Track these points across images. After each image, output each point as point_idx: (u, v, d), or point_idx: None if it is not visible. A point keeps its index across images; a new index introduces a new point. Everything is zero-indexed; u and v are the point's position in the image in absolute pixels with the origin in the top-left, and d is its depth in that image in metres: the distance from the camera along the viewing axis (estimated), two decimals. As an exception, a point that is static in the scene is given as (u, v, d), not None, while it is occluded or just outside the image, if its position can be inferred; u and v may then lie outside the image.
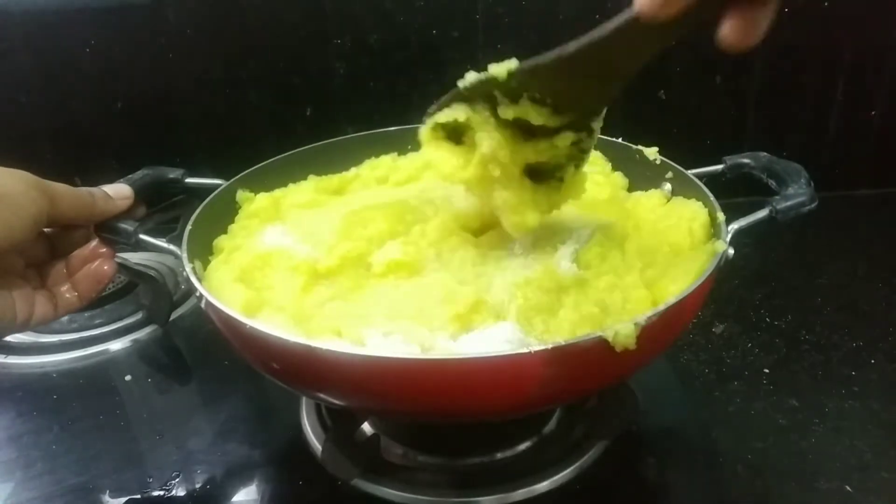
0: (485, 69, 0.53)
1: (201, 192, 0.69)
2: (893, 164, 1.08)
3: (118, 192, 0.61)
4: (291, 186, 0.74)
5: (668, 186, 0.69)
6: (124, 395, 0.75)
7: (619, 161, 0.74)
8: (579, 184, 0.60)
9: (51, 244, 0.60)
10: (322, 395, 0.54)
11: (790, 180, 0.62)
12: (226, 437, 0.68)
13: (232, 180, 0.70)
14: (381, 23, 0.97)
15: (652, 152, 0.71)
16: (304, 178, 0.75)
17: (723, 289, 0.84)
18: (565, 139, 0.55)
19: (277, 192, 0.73)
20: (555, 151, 0.56)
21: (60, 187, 0.55)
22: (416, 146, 0.79)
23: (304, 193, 0.73)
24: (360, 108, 1.00)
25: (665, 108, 1.02)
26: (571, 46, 0.47)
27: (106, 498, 0.62)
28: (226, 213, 0.69)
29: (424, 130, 0.58)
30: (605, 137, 0.75)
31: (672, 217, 0.64)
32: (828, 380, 0.72)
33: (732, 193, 0.64)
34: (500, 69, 0.52)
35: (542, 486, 0.60)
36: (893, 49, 1.01)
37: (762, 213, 0.59)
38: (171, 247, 0.59)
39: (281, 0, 0.96)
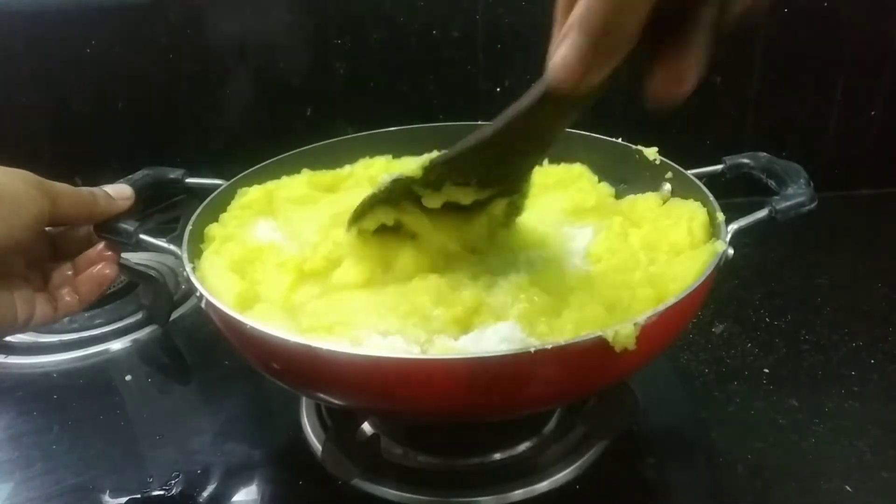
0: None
1: (201, 193, 0.69)
2: (893, 164, 1.08)
3: (119, 192, 0.61)
4: (285, 179, 0.74)
5: (667, 186, 0.69)
6: (124, 395, 0.75)
7: (619, 161, 0.74)
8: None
9: (53, 244, 0.60)
10: (322, 395, 0.54)
11: (790, 180, 0.62)
12: (226, 437, 0.68)
13: (232, 180, 0.70)
14: (381, 23, 0.97)
15: (651, 152, 0.71)
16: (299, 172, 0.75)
17: (723, 289, 0.84)
18: (499, 206, 0.55)
19: (270, 185, 0.72)
20: (490, 218, 0.56)
21: (61, 187, 0.55)
22: (415, 147, 0.79)
23: (296, 188, 0.72)
24: (360, 108, 1.00)
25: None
26: (488, 130, 0.45)
27: (106, 498, 0.62)
28: (223, 213, 0.69)
29: (350, 236, 0.57)
30: (605, 137, 0.75)
31: (671, 217, 0.64)
32: (828, 380, 0.72)
33: (732, 193, 0.64)
34: (413, 168, 0.51)
35: (542, 486, 0.60)
36: (893, 49, 1.01)
37: (762, 213, 0.59)
38: (172, 247, 0.60)
39: (281, 0, 0.96)
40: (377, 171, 0.76)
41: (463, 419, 0.56)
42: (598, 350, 0.46)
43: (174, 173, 0.70)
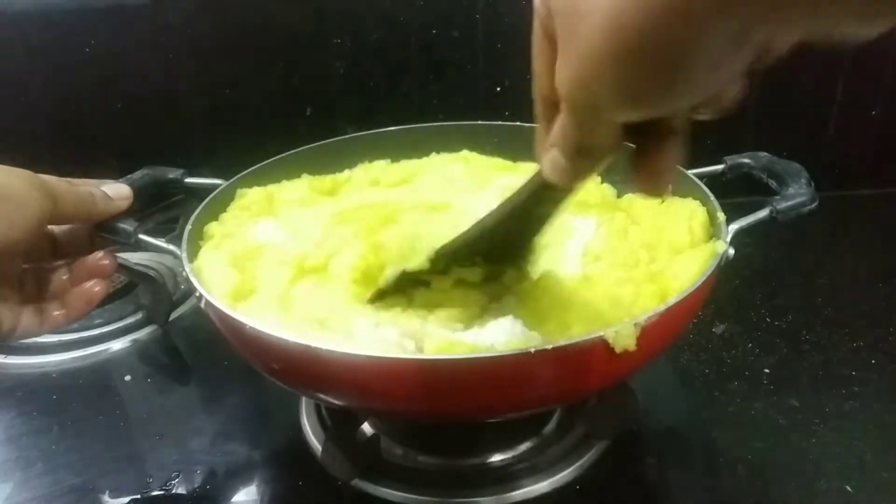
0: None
1: (201, 192, 0.69)
2: (894, 164, 1.08)
3: (118, 192, 0.60)
4: (285, 183, 0.74)
5: (668, 186, 0.69)
6: (124, 395, 0.75)
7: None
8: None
9: (53, 242, 0.60)
10: (322, 396, 0.54)
11: (790, 180, 0.62)
12: (226, 437, 0.68)
13: (232, 180, 0.70)
14: (381, 23, 0.97)
15: (652, 152, 0.70)
16: (300, 177, 0.75)
17: (723, 289, 0.84)
18: (510, 277, 0.55)
19: (271, 188, 0.73)
20: (502, 287, 0.56)
21: (62, 186, 0.55)
22: (414, 147, 0.80)
23: (297, 191, 0.72)
24: (360, 108, 1.00)
25: (665, 107, 1.02)
26: (488, 220, 0.49)
27: (106, 498, 0.62)
28: (223, 213, 0.69)
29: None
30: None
31: (670, 215, 0.64)
32: (828, 380, 0.72)
33: (733, 193, 0.64)
34: (417, 263, 0.52)
35: (542, 486, 0.60)
36: (894, 49, 1.01)
37: (762, 213, 0.59)
38: (171, 247, 0.60)
39: (281, 0, 0.96)
40: (377, 174, 0.76)
41: (463, 419, 0.56)
42: (598, 350, 0.46)
43: (173, 173, 0.70)
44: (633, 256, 0.59)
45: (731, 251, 0.56)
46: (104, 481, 0.63)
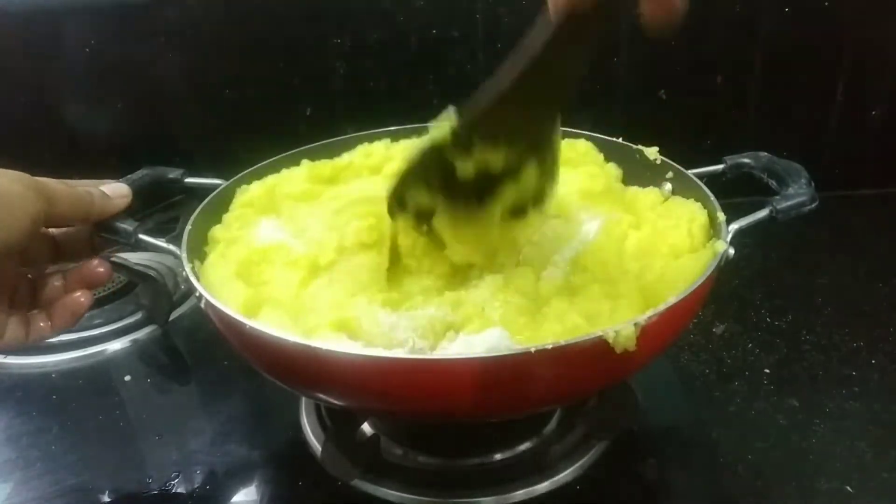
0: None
1: (201, 192, 0.68)
2: (894, 164, 1.08)
3: (116, 190, 0.60)
4: (285, 172, 0.73)
5: (668, 186, 0.69)
6: (124, 395, 0.75)
7: (620, 161, 0.74)
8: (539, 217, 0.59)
9: (54, 245, 0.60)
10: (322, 396, 0.54)
11: (790, 180, 0.62)
12: (225, 438, 0.68)
13: (231, 180, 0.70)
14: (381, 23, 0.97)
15: (652, 152, 0.71)
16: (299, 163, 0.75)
17: (723, 289, 0.84)
18: (529, 175, 0.53)
19: (270, 179, 0.72)
20: (521, 194, 0.54)
21: (58, 187, 0.54)
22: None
23: (297, 183, 0.71)
24: (360, 108, 1.00)
25: (665, 107, 1.02)
26: (505, 77, 0.45)
27: (105, 498, 0.62)
28: (225, 213, 0.69)
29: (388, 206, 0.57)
30: (606, 137, 0.75)
31: (671, 217, 0.64)
32: (828, 380, 0.72)
33: (733, 193, 0.64)
34: (441, 130, 0.50)
35: (542, 486, 0.60)
36: (894, 48, 1.01)
37: (762, 213, 0.59)
38: (171, 247, 0.59)
39: (281, 0, 0.96)
40: (377, 160, 0.75)
41: (463, 419, 0.56)
42: (598, 350, 0.46)
43: (173, 173, 0.70)
44: (620, 269, 0.58)
45: (732, 251, 0.56)
46: (104, 481, 0.63)
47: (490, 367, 0.46)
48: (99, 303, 0.86)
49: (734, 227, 0.58)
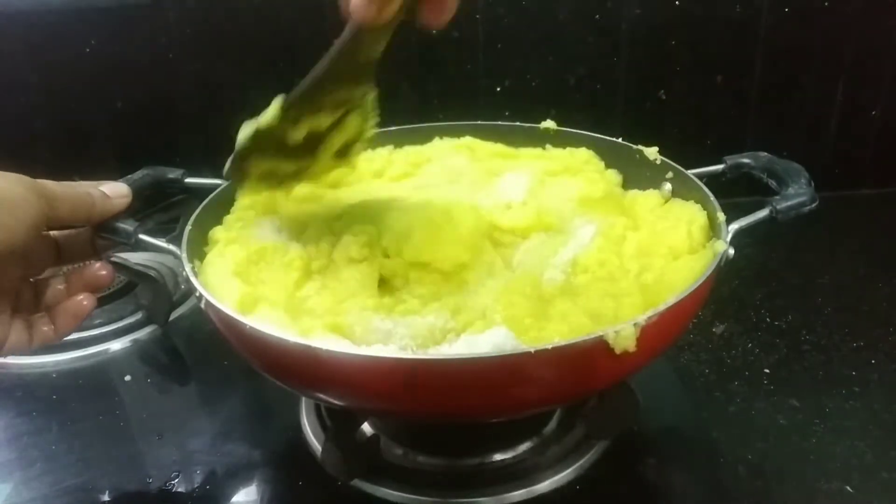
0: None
1: (201, 192, 0.68)
2: (894, 164, 1.08)
3: (116, 190, 0.60)
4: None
5: (668, 186, 0.69)
6: (124, 395, 0.75)
7: (619, 161, 0.74)
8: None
9: (56, 247, 0.60)
10: (322, 396, 0.54)
11: (790, 180, 0.62)
12: (225, 438, 0.67)
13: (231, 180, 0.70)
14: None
15: (652, 152, 0.71)
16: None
17: (723, 289, 0.84)
18: (350, 125, 0.62)
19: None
20: (346, 138, 0.62)
21: (59, 189, 0.54)
22: (426, 140, 0.79)
23: (299, 186, 0.71)
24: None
25: (665, 107, 1.02)
26: (319, 67, 0.55)
27: (105, 498, 0.62)
28: (225, 214, 0.69)
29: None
30: (606, 137, 0.75)
31: (670, 219, 0.64)
32: (828, 380, 0.72)
33: (733, 193, 0.64)
34: (269, 115, 0.57)
35: (542, 486, 0.60)
36: (894, 48, 1.01)
37: (762, 213, 0.59)
38: (171, 247, 0.59)
39: (281, 0, 0.95)
40: (380, 164, 0.76)
41: (463, 420, 0.56)
42: (598, 351, 0.46)
43: (173, 173, 0.70)
44: (621, 269, 0.59)
45: (731, 251, 0.56)
46: (104, 481, 0.63)
47: (490, 368, 0.45)
48: (99, 303, 0.84)
49: (734, 227, 0.58)
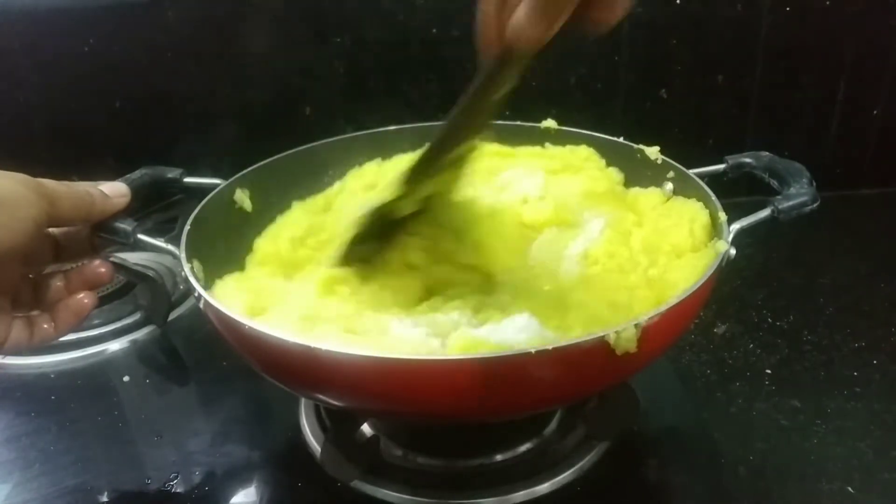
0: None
1: (200, 192, 0.68)
2: (895, 164, 1.08)
3: (115, 190, 0.60)
4: (279, 220, 0.72)
5: (669, 186, 0.69)
6: (122, 395, 0.75)
7: (621, 160, 0.74)
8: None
9: (56, 245, 0.60)
10: (321, 396, 0.54)
11: (792, 180, 0.62)
12: (224, 438, 0.67)
13: (231, 180, 0.70)
14: (381, 23, 0.96)
15: (653, 152, 0.71)
16: (299, 181, 0.75)
17: (724, 289, 0.84)
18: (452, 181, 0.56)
19: (272, 230, 0.70)
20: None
21: (59, 188, 0.54)
22: (414, 146, 0.79)
23: (295, 226, 0.70)
24: (359, 108, 1.00)
25: (666, 107, 1.02)
26: (450, 120, 0.50)
27: (104, 499, 0.62)
28: (224, 213, 0.69)
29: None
30: (607, 137, 0.75)
31: (672, 217, 0.64)
32: (830, 380, 0.71)
33: (734, 193, 0.64)
34: (389, 193, 0.53)
35: (543, 487, 0.60)
36: (895, 48, 1.01)
37: (764, 213, 0.59)
38: (170, 247, 0.59)
39: (281, 0, 0.95)
40: (370, 178, 0.75)
41: (463, 420, 0.56)
42: (599, 351, 0.46)
43: (172, 173, 0.70)
44: (631, 262, 0.59)
45: (733, 251, 0.56)
46: (102, 482, 0.63)
47: (491, 368, 0.45)
48: (98, 303, 0.86)
49: (735, 227, 0.58)
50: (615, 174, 0.73)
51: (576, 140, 0.76)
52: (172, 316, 0.86)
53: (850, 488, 0.59)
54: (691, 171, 0.67)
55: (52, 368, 0.79)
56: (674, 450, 0.65)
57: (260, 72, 0.99)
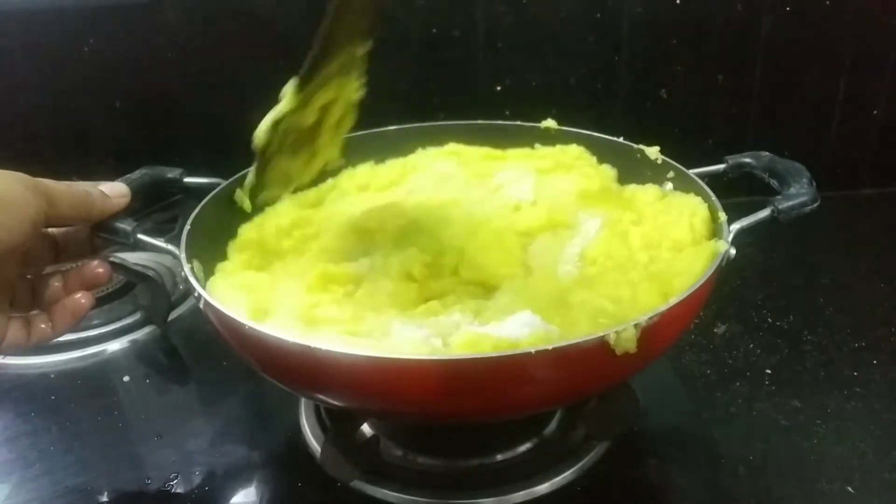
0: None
1: (200, 192, 0.68)
2: (895, 164, 1.08)
3: (115, 190, 0.60)
4: (268, 210, 0.70)
5: (669, 186, 0.69)
6: (122, 395, 0.75)
7: (620, 160, 0.74)
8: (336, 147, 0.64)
9: (54, 245, 0.60)
10: (321, 396, 0.54)
11: (792, 180, 0.62)
12: (224, 438, 0.67)
13: (230, 179, 0.70)
14: (381, 22, 0.96)
15: (653, 152, 0.71)
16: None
17: (724, 289, 0.84)
18: (349, 91, 0.62)
19: (258, 220, 0.69)
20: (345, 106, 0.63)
21: (58, 188, 0.54)
22: (413, 147, 0.79)
23: (283, 216, 0.70)
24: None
25: (666, 107, 1.02)
26: (322, 29, 0.56)
27: (104, 499, 0.62)
28: (224, 213, 0.68)
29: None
30: (606, 137, 0.75)
31: (672, 212, 0.64)
32: (830, 380, 0.71)
33: (734, 193, 0.64)
34: (286, 98, 0.57)
35: (543, 487, 0.60)
36: (895, 48, 1.00)
37: (764, 213, 0.59)
38: (170, 247, 0.59)
39: (281, 0, 0.95)
40: (363, 179, 0.75)
41: (463, 420, 0.56)
42: (599, 351, 0.46)
43: (172, 173, 0.70)
44: (630, 260, 0.59)
45: (733, 251, 0.56)
46: (102, 482, 0.63)
47: (491, 368, 0.45)
48: (97, 303, 0.85)
49: (735, 227, 0.58)
50: (608, 171, 0.73)
51: (576, 140, 0.76)
52: (172, 316, 0.86)
53: (850, 488, 0.59)
54: (691, 171, 0.67)
55: (52, 368, 0.79)
56: (674, 450, 0.65)
57: (259, 71, 0.99)
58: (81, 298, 0.58)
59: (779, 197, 0.60)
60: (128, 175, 0.65)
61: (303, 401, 0.69)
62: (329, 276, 0.59)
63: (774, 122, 1.04)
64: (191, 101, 1.00)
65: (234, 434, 0.68)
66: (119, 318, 0.85)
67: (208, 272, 0.62)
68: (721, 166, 0.68)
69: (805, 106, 1.03)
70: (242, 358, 0.55)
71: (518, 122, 0.80)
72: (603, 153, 0.74)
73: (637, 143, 0.72)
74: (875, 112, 1.04)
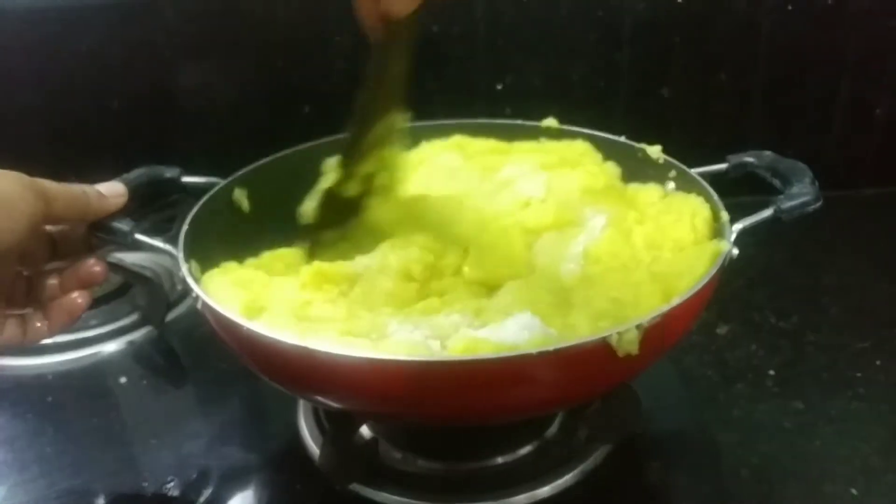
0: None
1: (198, 192, 0.68)
2: (898, 163, 1.07)
3: (112, 190, 0.60)
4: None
5: (671, 185, 0.68)
6: (119, 397, 0.74)
7: (622, 159, 0.73)
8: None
9: (52, 244, 0.59)
10: (319, 398, 0.54)
11: (794, 179, 0.61)
12: (222, 441, 0.67)
13: (229, 179, 0.70)
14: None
15: (655, 151, 0.70)
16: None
17: (726, 289, 0.83)
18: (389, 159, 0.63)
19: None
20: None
21: (55, 187, 0.54)
22: (413, 147, 0.79)
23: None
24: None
25: (668, 106, 1.01)
26: (357, 111, 0.58)
27: (100, 501, 0.61)
28: (222, 213, 0.68)
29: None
30: (608, 136, 0.74)
31: (673, 212, 0.64)
32: (833, 381, 0.71)
33: (736, 192, 0.64)
34: (330, 173, 0.62)
35: (544, 490, 0.59)
36: (898, 47, 1.00)
37: (766, 213, 0.58)
38: (168, 247, 0.59)
39: (281, 0, 0.95)
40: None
41: (464, 422, 0.56)
42: (601, 352, 0.45)
43: (170, 172, 0.69)
44: (633, 260, 0.59)
45: (735, 251, 0.56)
46: (99, 484, 0.63)
47: (492, 370, 0.45)
48: (94, 304, 0.85)
49: (738, 226, 0.58)
50: (613, 168, 0.73)
51: (576, 139, 0.75)
52: (170, 317, 0.85)
53: (853, 491, 0.59)
54: (693, 171, 0.67)
55: (48, 370, 0.78)
56: (676, 452, 0.65)
57: (258, 71, 0.98)
58: (78, 298, 0.58)
59: (781, 196, 0.59)
60: (125, 175, 0.65)
61: (301, 403, 0.69)
62: (323, 274, 0.59)
63: (777, 121, 1.03)
64: (189, 101, 0.99)
65: (231, 436, 0.67)
66: (116, 319, 0.85)
67: (206, 272, 0.61)
68: (723, 166, 0.68)
69: (807, 105, 1.03)
70: (240, 359, 0.55)
71: (519, 121, 0.79)
72: (604, 152, 0.74)
73: (639, 141, 0.72)
74: (878, 111, 1.04)
